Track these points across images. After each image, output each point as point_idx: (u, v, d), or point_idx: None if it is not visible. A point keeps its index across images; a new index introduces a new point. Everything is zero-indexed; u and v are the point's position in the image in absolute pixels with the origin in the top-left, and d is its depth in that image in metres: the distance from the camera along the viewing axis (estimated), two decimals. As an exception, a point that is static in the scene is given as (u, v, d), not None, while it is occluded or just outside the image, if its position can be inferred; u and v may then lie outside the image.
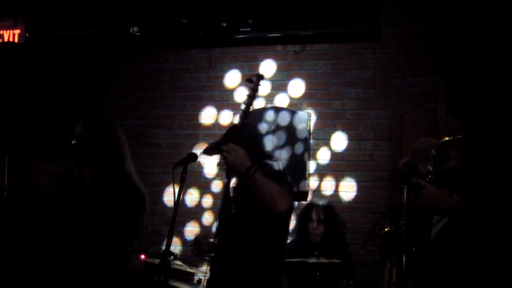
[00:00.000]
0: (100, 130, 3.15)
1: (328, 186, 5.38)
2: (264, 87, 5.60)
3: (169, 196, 5.73)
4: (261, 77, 3.07)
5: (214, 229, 3.86)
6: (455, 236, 2.87)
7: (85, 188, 3.08)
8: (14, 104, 5.80)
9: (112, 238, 3.01)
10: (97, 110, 6.03)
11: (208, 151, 3.29)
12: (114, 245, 3.05)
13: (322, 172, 5.41)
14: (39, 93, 5.96)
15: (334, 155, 5.39)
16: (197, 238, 3.37)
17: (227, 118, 5.70)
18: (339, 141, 5.38)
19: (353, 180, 5.31)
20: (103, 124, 3.21)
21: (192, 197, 5.74)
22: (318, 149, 5.43)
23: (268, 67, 5.63)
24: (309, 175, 5.39)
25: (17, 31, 5.90)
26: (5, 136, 5.65)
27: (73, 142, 3.11)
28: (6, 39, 5.92)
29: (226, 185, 3.10)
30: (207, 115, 5.77)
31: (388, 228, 2.98)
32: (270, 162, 3.26)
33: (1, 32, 5.92)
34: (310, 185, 5.39)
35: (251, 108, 3.09)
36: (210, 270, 3.17)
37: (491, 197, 2.81)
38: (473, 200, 2.87)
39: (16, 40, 5.90)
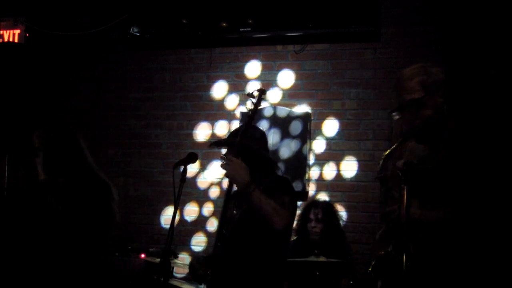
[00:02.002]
0: (58, 138, 3.24)
1: (328, 185, 5.38)
2: (264, 87, 5.60)
3: (170, 197, 5.73)
4: (263, 91, 3.09)
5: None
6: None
7: (56, 191, 3.16)
8: (14, 104, 5.80)
9: (87, 232, 3.08)
10: (97, 110, 6.04)
11: (214, 146, 3.35)
12: (89, 239, 3.11)
13: (321, 171, 5.41)
14: (39, 93, 5.96)
15: (334, 156, 5.39)
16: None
17: (227, 119, 5.71)
18: (339, 141, 5.38)
19: (353, 180, 5.31)
20: (60, 132, 3.30)
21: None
22: (318, 149, 5.43)
23: (268, 67, 5.64)
24: (309, 175, 5.39)
25: (17, 31, 5.90)
26: (5, 136, 5.65)
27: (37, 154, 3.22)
28: (6, 39, 5.92)
29: (228, 189, 3.10)
30: (207, 116, 5.78)
31: (383, 253, 2.94)
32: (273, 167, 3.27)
33: (1, 32, 5.93)
34: (310, 185, 5.39)
35: (253, 121, 3.10)
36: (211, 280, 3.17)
37: (477, 197, 2.77)
38: (458, 201, 2.84)
39: (16, 40, 5.90)
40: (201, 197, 5.72)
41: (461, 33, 4.93)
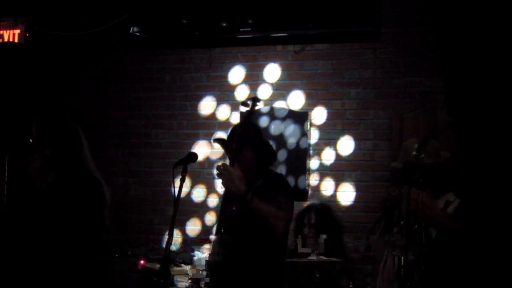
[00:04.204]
0: (57, 126, 3.22)
1: (327, 185, 5.39)
2: (264, 87, 5.62)
3: (170, 197, 5.73)
4: (257, 100, 3.10)
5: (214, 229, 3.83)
6: (445, 248, 2.84)
7: (46, 192, 3.13)
8: (14, 104, 5.80)
9: (78, 235, 3.05)
10: (97, 110, 6.04)
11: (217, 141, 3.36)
12: (80, 242, 3.09)
13: (322, 172, 5.41)
14: (39, 93, 5.95)
15: (334, 155, 5.39)
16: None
17: (227, 118, 5.71)
18: (339, 141, 5.38)
19: (353, 179, 5.32)
20: (59, 120, 3.27)
21: (197, 195, 5.74)
22: (317, 149, 5.43)
23: (268, 67, 5.63)
24: (309, 175, 5.39)
25: (17, 31, 5.89)
26: (5, 136, 5.64)
27: (31, 141, 3.19)
28: (6, 39, 5.91)
29: (225, 192, 3.11)
30: (207, 115, 5.78)
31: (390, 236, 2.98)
32: (272, 167, 3.27)
33: (1, 32, 5.91)
34: (310, 185, 5.39)
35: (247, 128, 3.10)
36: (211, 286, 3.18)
37: (483, 200, 2.78)
38: (465, 207, 2.84)
39: (16, 40, 5.89)
40: (208, 187, 5.72)
41: (461, 33, 4.92)
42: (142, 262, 4.84)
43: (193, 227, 5.74)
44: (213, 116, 5.76)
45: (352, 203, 5.30)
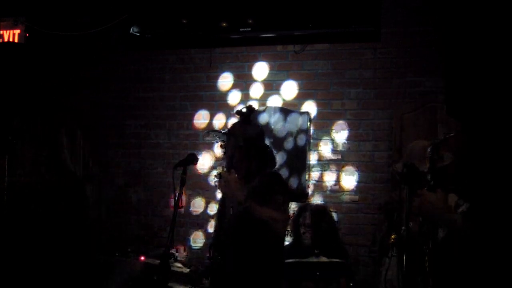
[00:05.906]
0: (56, 126, 3.23)
1: (328, 186, 5.39)
2: (264, 87, 5.62)
3: (170, 197, 5.74)
4: (252, 110, 3.11)
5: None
6: (452, 249, 2.84)
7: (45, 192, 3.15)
8: (14, 104, 5.80)
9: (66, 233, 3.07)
10: (97, 110, 6.03)
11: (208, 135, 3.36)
12: (67, 238, 3.10)
13: (322, 172, 5.41)
14: (39, 93, 5.95)
15: (334, 156, 5.39)
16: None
17: (227, 117, 5.71)
18: (339, 141, 5.38)
19: (352, 180, 5.31)
20: (59, 120, 3.29)
21: (197, 205, 5.74)
22: (317, 149, 5.43)
23: (267, 67, 5.63)
24: (309, 174, 5.39)
25: (17, 31, 5.89)
26: (5, 136, 5.65)
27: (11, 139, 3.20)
28: (6, 39, 5.91)
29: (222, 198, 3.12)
30: (207, 115, 5.78)
31: (394, 236, 2.99)
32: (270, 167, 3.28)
33: (1, 32, 5.91)
34: (310, 185, 5.39)
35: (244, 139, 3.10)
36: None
37: (489, 200, 2.77)
38: (471, 210, 2.84)
39: (16, 40, 5.89)
40: (206, 196, 5.72)
41: (461, 33, 4.92)
42: (142, 258, 4.84)
43: (196, 231, 5.73)
44: (212, 116, 5.76)
45: (352, 204, 5.29)
